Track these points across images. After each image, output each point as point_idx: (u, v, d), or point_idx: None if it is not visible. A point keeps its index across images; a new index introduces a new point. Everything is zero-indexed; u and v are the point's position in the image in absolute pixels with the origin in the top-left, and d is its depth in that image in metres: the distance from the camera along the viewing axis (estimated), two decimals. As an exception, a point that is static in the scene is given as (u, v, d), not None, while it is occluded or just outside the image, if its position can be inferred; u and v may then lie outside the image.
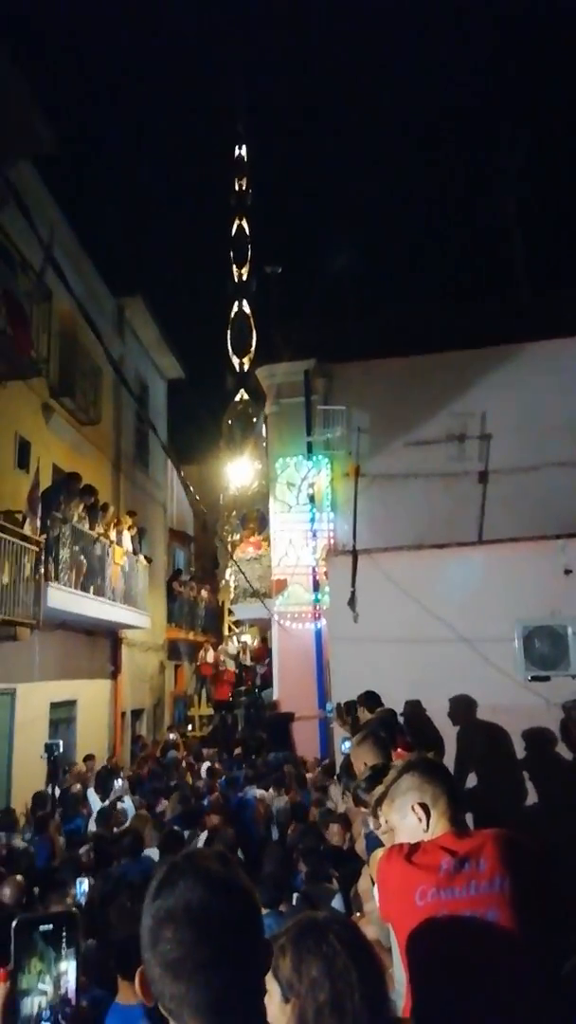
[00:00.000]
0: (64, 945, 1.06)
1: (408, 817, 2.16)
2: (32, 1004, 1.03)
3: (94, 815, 7.52)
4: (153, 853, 5.81)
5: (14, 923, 1.06)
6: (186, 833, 6.51)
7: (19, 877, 4.69)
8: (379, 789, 2.48)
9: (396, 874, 2.02)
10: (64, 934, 1.06)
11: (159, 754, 12.68)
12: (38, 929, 1.06)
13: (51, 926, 1.06)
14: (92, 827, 7.20)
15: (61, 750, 7.99)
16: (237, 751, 13.27)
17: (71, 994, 1.06)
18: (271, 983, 1.31)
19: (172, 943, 1.04)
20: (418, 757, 2.35)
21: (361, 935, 1.41)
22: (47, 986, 1.04)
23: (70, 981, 1.06)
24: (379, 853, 2.48)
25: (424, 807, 2.14)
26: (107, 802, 7.89)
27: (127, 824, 6.96)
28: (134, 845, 5.71)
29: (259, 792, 8.22)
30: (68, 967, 1.06)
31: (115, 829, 6.91)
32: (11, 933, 1.04)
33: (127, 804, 7.89)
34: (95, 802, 8.05)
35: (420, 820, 2.13)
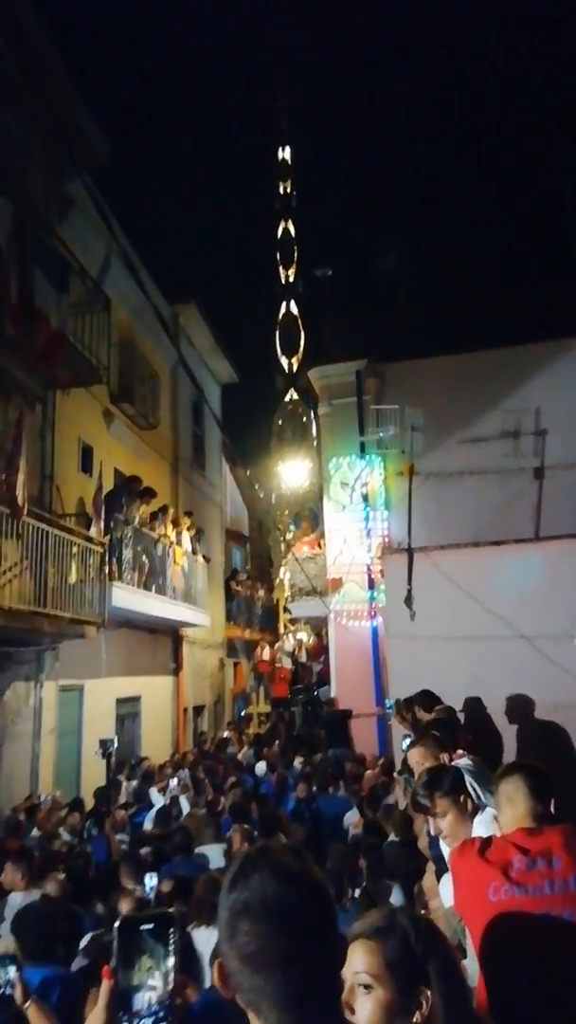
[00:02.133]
0: (172, 943, 1.11)
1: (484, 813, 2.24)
2: (143, 999, 1.08)
3: (151, 813, 7.55)
4: (208, 850, 5.84)
5: (117, 923, 1.13)
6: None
7: (62, 875, 4.78)
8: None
9: (469, 868, 2.07)
10: (171, 933, 1.11)
11: (213, 751, 12.89)
12: (140, 928, 1.10)
13: (152, 925, 1.11)
14: (148, 826, 7.22)
15: (116, 746, 7.95)
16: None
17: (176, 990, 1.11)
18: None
19: (249, 936, 1.06)
20: (514, 764, 2.39)
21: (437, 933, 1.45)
22: (157, 982, 1.09)
23: (172, 978, 1.11)
24: (453, 846, 2.57)
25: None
26: (164, 801, 7.89)
27: (181, 821, 7.00)
28: (185, 842, 5.70)
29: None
30: (173, 964, 1.10)
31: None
32: (115, 932, 1.11)
33: (183, 802, 7.88)
34: (157, 800, 8.09)
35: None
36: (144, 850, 5.70)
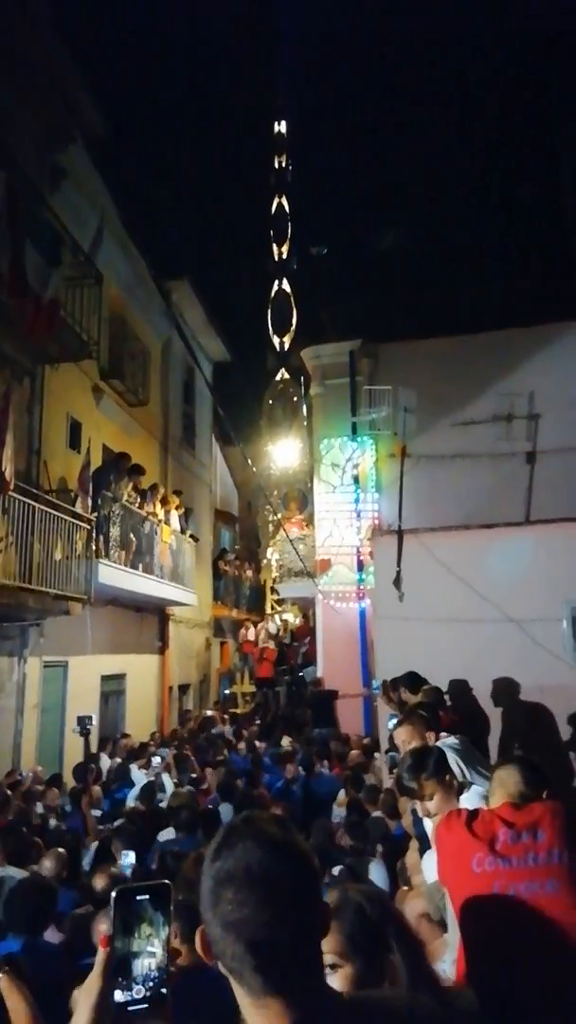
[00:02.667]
0: (168, 912, 1.13)
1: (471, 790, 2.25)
2: (143, 965, 1.10)
3: (134, 790, 7.51)
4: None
5: (113, 893, 1.13)
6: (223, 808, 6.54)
7: (61, 850, 4.75)
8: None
9: (454, 840, 2.07)
10: (166, 903, 1.13)
11: (199, 729, 12.91)
12: (136, 898, 1.12)
13: (148, 896, 1.13)
14: (131, 803, 7.19)
15: (94, 723, 7.66)
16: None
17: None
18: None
19: (233, 904, 1.06)
20: (510, 756, 2.46)
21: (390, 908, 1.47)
22: (156, 948, 1.11)
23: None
24: (439, 819, 2.56)
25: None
26: (147, 778, 7.86)
27: (165, 801, 6.98)
28: (191, 820, 5.65)
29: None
30: (167, 933, 1.13)
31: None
32: (112, 902, 1.12)
33: (165, 780, 7.85)
34: (138, 777, 8.05)
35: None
36: (117, 822, 5.71)
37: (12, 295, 8.09)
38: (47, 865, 4.56)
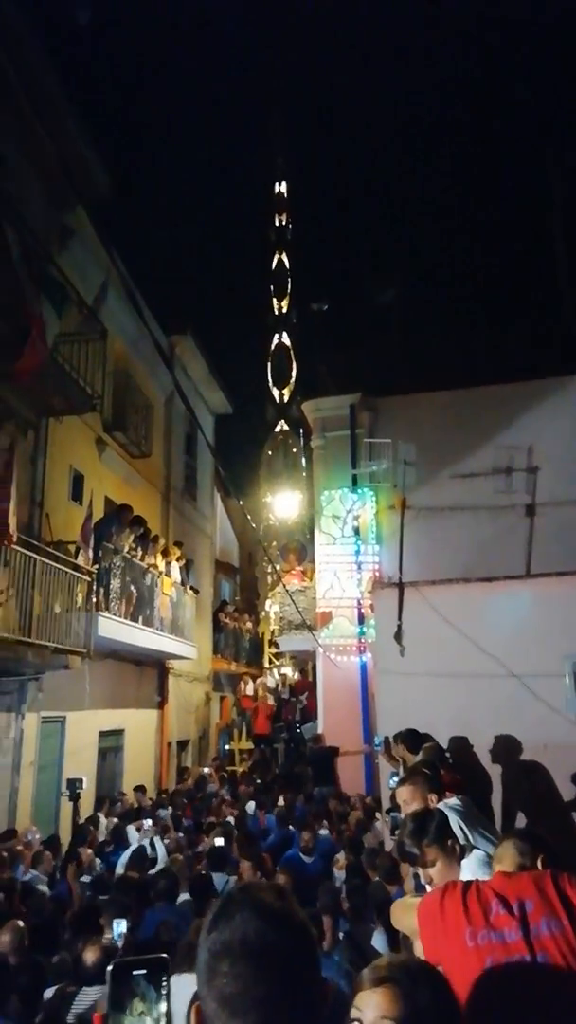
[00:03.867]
0: (163, 987, 1.10)
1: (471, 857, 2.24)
2: None
3: (124, 856, 7.14)
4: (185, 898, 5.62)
5: (110, 967, 1.11)
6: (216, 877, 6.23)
7: (20, 922, 4.46)
8: None
9: (447, 914, 2.05)
10: (163, 977, 1.10)
11: (195, 788, 12.60)
12: (133, 973, 1.09)
13: (145, 970, 1.09)
14: (119, 869, 6.85)
15: (84, 787, 7.38)
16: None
17: None
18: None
19: (229, 977, 1.02)
20: (510, 831, 2.48)
21: (446, 990, 1.39)
22: None
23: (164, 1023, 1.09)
24: (407, 901, 2.53)
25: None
26: (138, 843, 7.54)
27: (158, 867, 6.72)
28: (170, 888, 5.46)
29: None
30: (166, 1009, 1.09)
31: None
32: (108, 977, 1.09)
33: (158, 844, 7.50)
34: (134, 838, 7.77)
35: None
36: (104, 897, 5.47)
37: (37, 351, 8.21)
38: (4, 938, 4.23)
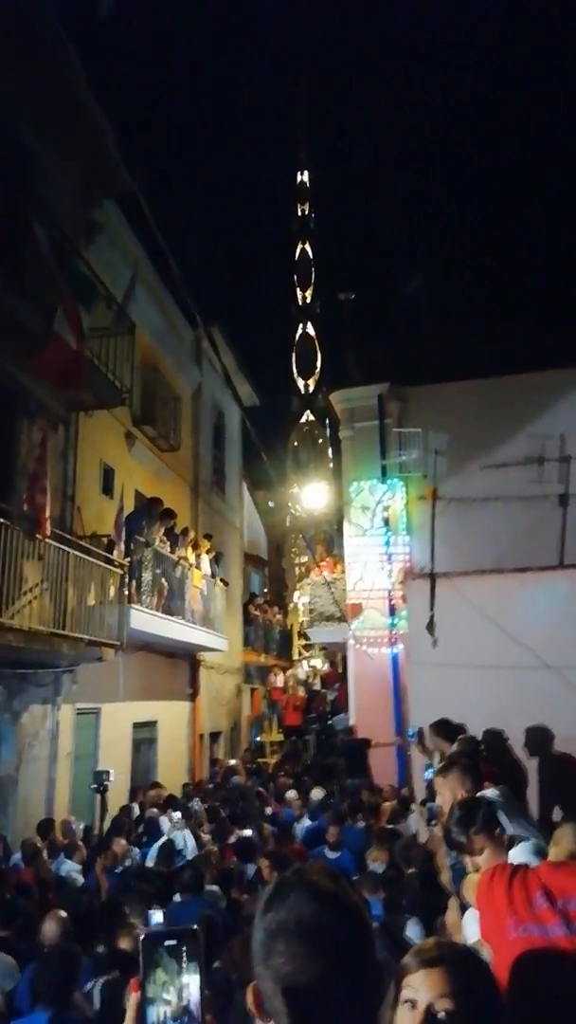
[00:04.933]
0: (186, 959, 1.10)
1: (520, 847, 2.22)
2: (157, 1012, 1.08)
3: (153, 850, 7.10)
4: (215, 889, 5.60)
5: (142, 937, 1.13)
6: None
7: (63, 913, 4.48)
8: None
9: (494, 900, 2.04)
10: (186, 949, 1.10)
11: (220, 780, 12.63)
12: (163, 944, 1.11)
13: (175, 941, 1.11)
14: (149, 862, 6.83)
15: (112, 779, 7.23)
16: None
17: (194, 1006, 1.09)
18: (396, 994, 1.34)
19: (285, 956, 1.04)
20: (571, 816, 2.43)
21: (488, 975, 1.43)
22: (171, 996, 1.09)
23: (193, 994, 1.09)
24: (474, 878, 2.49)
25: None
26: (165, 836, 7.51)
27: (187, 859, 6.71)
28: (193, 880, 5.37)
29: None
30: (191, 980, 1.10)
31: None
32: (139, 946, 1.11)
33: (187, 838, 7.48)
34: (166, 828, 7.79)
35: None
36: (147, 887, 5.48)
37: (77, 344, 8.36)
38: (49, 928, 4.27)
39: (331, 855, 7.00)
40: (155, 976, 1.09)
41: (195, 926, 1.15)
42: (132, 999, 1.10)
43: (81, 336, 8.44)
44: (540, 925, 1.93)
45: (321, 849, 7.16)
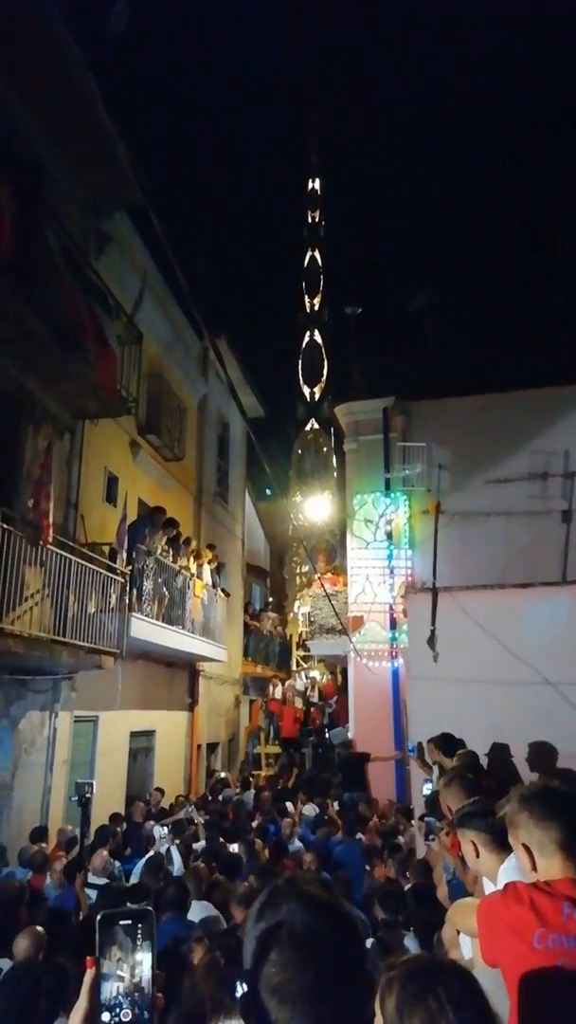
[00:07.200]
0: (140, 937, 1.15)
1: (514, 855, 2.18)
2: (111, 988, 1.13)
3: (139, 865, 6.80)
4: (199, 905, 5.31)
5: (99, 916, 1.17)
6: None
7: (40, 928, 4.24)
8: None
9: (511, 915, 2.01)
10: (140, 928, 1.16)
11: (209, 793, 12.49)
12: (119, 922, 1.16)
13: (130, 920, 1.16)
14: (135, 878, 6.56)
15: (94, 791, 6.47)
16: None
17: (145, 983, 1.14)
18: (377, 1013, 1.29)
19: (276, 966, 1.04)
20: (541, 787, 2.29)
21: (477, 990, 1.30)
22: (124, 973, 1.14)
23: (145, 971, 1.14)
24: (468, 902, 2.48)
25: (528, 849, 2.14)
26: (153, 851, 7.26)
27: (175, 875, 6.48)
28: (179, 898, 5.07)
29: None
30: (143, 958, 1.15)
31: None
32: (95, 925, 1.16)
33: (174, 855, 7.30)
34: (158, 833, 7.70)
35: (526, 862, 2.14)
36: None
37: (99, 344, 8.54)
38: (22, 944, 4.05)
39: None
40: (111, 953, 1.14)
41: (149, 907, 1.20)
42: (88, 975, 1.13)
43: (105, 343, 8.66)
44: (570, 936, 1.92)
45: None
